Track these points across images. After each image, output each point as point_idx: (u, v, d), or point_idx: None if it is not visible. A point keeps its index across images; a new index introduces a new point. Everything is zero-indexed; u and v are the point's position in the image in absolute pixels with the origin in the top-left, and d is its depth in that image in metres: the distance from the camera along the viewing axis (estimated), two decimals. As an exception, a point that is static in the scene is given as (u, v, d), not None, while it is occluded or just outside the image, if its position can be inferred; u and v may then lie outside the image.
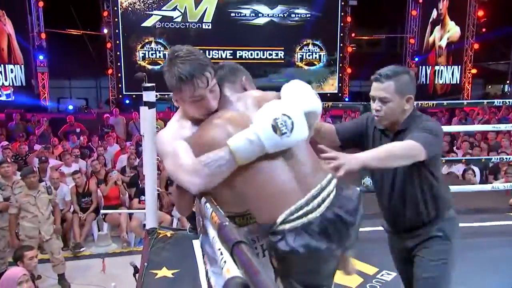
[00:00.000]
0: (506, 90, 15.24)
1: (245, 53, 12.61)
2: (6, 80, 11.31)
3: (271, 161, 1.22)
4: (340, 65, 13.26)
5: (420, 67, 13.67)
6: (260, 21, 12.61)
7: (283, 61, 12.95)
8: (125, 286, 3.49)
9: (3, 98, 11.34)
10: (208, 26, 12.29)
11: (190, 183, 1.23)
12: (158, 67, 12.17)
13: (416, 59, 13.52)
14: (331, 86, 13.45)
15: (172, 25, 12.11)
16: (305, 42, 13.09)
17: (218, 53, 12.44)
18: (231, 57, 12.49)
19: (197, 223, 2.09)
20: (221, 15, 12.26)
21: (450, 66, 13.73)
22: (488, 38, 13.60)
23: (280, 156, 1.23)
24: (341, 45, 13.13)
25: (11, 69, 11.32)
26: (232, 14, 12.42)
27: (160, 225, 3.40)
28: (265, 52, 12.78)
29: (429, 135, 1.57)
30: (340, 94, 13.28)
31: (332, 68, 13.35)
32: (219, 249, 0.98)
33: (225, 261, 0.91)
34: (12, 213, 4.26)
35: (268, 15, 12.63)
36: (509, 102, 3.89)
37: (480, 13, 12.97)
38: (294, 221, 1.18)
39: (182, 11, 12.06)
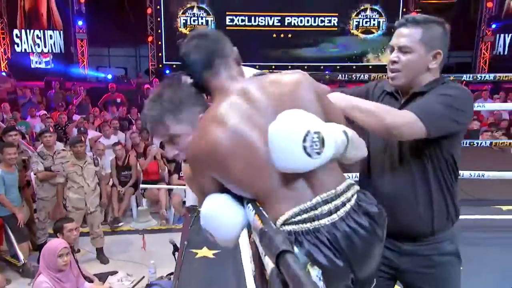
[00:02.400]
0: None
1: (295, 19, 12.36)
2: (45, 46, 11.88)
3: None
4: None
5: (498, 35, 12.76)
6: (313, -17, 12.28)
7: (336, 28, 12.59)
8: (164, 264, 3.62)
9: (43, 65, 11.95)
10: (255, -10, 12.14)
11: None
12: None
13: (494, 25, 12.63)
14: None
15: (216, -12, 12.08)
16: (362, 7, 12.60)
17: (264, 20, 12.29)
18: (279, 23, 12.31)
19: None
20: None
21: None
22: None
23: None
24: (404, 9, 12.51)
25: (50, 35, 11.84)
26: (283, -22, 12.17)
27: (200, 203, 3.46)
28: (316, 18, 12.47)
29: (440, 105, 1.29)
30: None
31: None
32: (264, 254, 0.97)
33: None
34: (60, 182, 4.51)
35: (321, -23, 12.26)
36: None
37: None
38: (297, 224, 1.07)
39: (227, -25, 11.98)
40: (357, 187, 1.17)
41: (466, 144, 3.31)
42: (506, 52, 12.85)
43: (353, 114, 1.30)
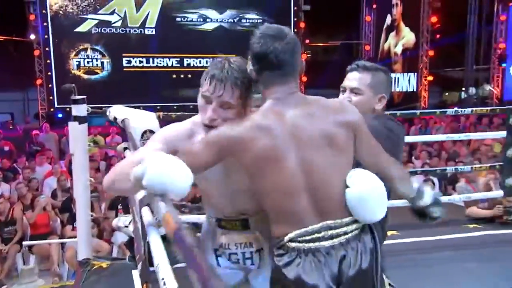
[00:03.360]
0: (462, 97, 16.24)
1: (193, 60, 12.57)
2: None
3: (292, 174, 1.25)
4: (296, 73, 13.57)
5: (377, 74, 14.25)
6: (209, 26, 12.67)
7: (235, 69, 13.04)
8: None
9: None
10: (152, 31, 12.15)
11: None
12: (96, 76, 11.85)
13: (372, 66, 14.10)
14: (287, 95, 13.70)
15: (110, 30, 11.85)
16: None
17: (163, 61, 12.31)
18: (178, 65, 12.41)
19: (136, 250, 2.02)
20: (166, 19, 12.18)
21: (406, 74, 14.45)
22: (443, 45, 14.49)
23: (302, 172, 1.25)
24: (296, 51, 13.45)
25: None
26: (178, 19, 12.38)
27: (96, 255, 3.27)
28: (215, 59, 12.80)
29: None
30: (296, 104, 13.57)
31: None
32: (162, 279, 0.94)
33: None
34: None
35: (217, 20, 12.71)
36: (461, 111, 4.13)
37: (434, 19, 13.81)
38: (301, 243, 1.24)
39: (122, 15, 11.85)
40: (361, 226, 1.31)
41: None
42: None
43: None
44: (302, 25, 13.32)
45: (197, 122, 1.42)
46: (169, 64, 12.40)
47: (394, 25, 14.14)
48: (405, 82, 14.45)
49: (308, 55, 14.15)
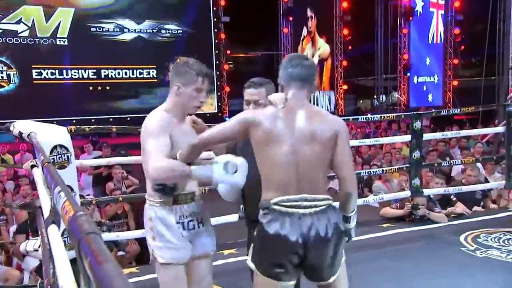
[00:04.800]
0: (374, 104, 17.39)
1: (111, 72, 12.09)
2: None
3: (285, 154, 1.69)
4: (218, 83, 13.61)
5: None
6: (127, 37, 12.29)
7: (156, 80, 12.77)
8: None
9: None
10: (64, 42, 11.50)
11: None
12: (1, 90, 10.93)
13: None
14: (210, 105, 13.67)
15: (17, 40, 11.00)
16: (179, 60, 13.13)
17: (78, 73, 11.70)
18: (95, 76, 11.88)
19: (44, 274, 1.90)
20: (79, 30, 11.61)
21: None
22: (355, 56, 15.44)
23: (292, 154, 1.69)
24: (217, 62, 13.51)
25: None
26: (93, 29, 11.85)
27: (3, 285, 2.99)
28: (135, 70, 12.46)
29: None
30: (220, 114, 13.58)
31: (211, 87, 13.62)
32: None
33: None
34: None
35: (135, 30, 12.38)
36: (372, 117, 4.41)
37: (345, 31, 14.68)
38: (283, 207, 1.66)
39: (29, 24, 11.06)
40: (331, 203, 1.74)
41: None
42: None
43: None
44: (222, 36, 13.44)
45: (168, 109, 1.96)
46: (85, 76, 11.81)
47: (310, 37, 14.79)
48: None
49: (230, 66, 14.29)
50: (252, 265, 1.76)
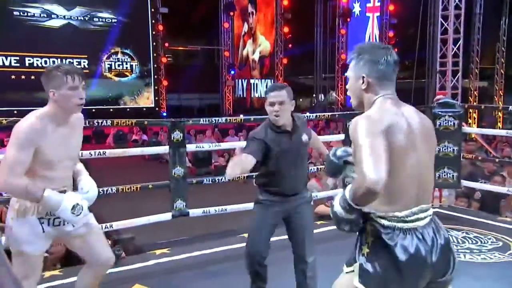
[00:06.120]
0: (314, 103, 17.86)
1: (37, 60, 11.38)
2: None
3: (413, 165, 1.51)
4: (155, 76, 13.27)
5: (237, 80, 14.81)
6: (55, 23, 11.63)
7: (88, 71, 12.19)
8: None
9: None
10: (-17, 26, 10.65)
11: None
12: None
13: (232, 72, 14.60)
14: (147, 100, 13.31)
15: None
16: (113, 50, 12.64)
17: (-1, 60, 10.89)
18: (18, 64, 11.12)
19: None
20: (1, 14, 10.79)
21: (264, 80, 15.29)
22: (295, 54, 15.74)
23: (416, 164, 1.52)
24: (155, 55, 13.17)
25: None
26: (16, 13, 11.08)
27: None
28: (63, 60, 11.79)
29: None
30: (157, 108, 13.26)
31: (147, 80, 13.24)
32: None
33: None
34: None
35: (64, 17, 11.74)
36: (307, 116, 4.50)
37: (286, 29, 14.91)
38: (407, 223, 1.50)
39: None
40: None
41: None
42: (245, 95, 15.02)
43: None
44: (160, 27, 13.11)
45: (46, 115, 1.91)
46: (7, 64, 11.02)
47: (251, 33, 14.85)
48: (263, 88, 15.28)
49: (169, 59, 13.99)
50: None
